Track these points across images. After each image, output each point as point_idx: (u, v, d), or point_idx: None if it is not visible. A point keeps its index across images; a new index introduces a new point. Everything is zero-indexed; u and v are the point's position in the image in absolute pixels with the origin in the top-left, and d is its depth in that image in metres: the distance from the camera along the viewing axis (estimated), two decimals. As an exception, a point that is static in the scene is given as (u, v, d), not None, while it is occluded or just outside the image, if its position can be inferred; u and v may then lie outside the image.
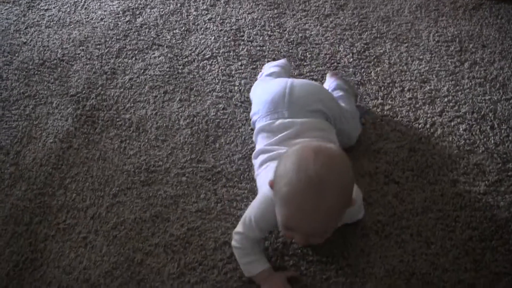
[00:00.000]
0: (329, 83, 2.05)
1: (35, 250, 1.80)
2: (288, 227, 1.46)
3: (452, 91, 2.13)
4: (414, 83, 2.18)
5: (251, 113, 1.88)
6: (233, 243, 1.61)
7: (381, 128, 2.01)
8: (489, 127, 1.99)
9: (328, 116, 1.75)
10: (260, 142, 1.76)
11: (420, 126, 2.01)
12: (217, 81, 2.28)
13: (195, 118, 2.14)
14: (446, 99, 2.10)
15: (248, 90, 2.20)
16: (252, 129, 1.90)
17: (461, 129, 1.99)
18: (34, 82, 2.42)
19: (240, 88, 2.22)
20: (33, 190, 1.97)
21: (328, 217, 1.43)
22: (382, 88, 2.17)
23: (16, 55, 2.58)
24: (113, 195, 1.91)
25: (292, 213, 1.42)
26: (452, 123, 2.01)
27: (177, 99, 2.23)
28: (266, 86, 1.85)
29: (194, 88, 2.27)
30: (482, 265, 1.63)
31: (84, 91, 2.33)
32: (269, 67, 2.14)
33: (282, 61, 2.18)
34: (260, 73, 2.18)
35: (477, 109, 2.06)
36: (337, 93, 1.96)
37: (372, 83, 2.19)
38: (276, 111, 1.74)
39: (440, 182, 1.83)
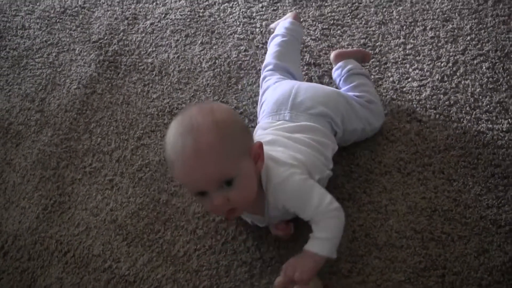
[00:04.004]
0: (339, 70, 1.89)
1: (63, 193, 1.84)
2: (194, 188, 1.40)
3: (475, 29, 2.11)
4: (437, 21, 2.15)
5: (258, 114, 1.80)
6: None
7: (403, 67, 2.00)
8: (512, 64, 1.98)
9: (332, 118, 1.66)
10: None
11: (442, 64, 2.00)
12: (238, 23, 2.28)
13: (217, 61, 2.14)
14: (468, 38, 2.08)
15: (270, 32, 2.18)
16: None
17: (484, 67, 1.97)
18: (56, 30, 2.44)
19: (262, 29, 2.22)
20: (59, 135, 2.00)
21: (215, 155, 1.33)
22: (404, 27, 2.15)
23: (38, 4, 2.60)
24: (137, 138, 1.94)
25: (182, 166, 1.35)
26: (475, 61, 2.00)
27: (199, 42, 2.24)
28: (276, 88, 1.76)
29: (216, 31, 2.27)
30: (504, 201, 1.63)
31: (106, 37, 2.34)
32: (280, 30, 2.01)
33: (293, 26, 2.01)
34: (271, 37, 2.03)
35: (500, 47, 2.03)
36: (351, 82, 1.84)
37: (394, 22, 2.18)
38: (279, 113, 1.67)
39: (462, 120, 1.83)
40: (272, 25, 2.14)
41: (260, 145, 1.42)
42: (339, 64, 1.89)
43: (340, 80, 1.87)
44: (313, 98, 1.68)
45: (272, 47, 1.95)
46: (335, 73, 1.90)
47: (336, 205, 1.42)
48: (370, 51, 2.04)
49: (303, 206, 1.43)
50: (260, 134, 1.63)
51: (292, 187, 1.43)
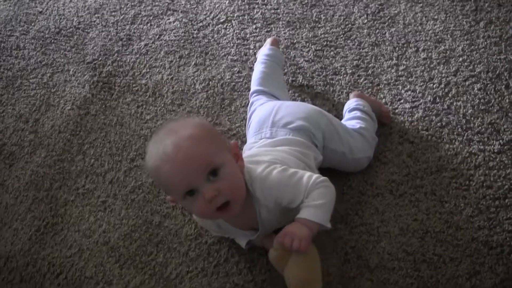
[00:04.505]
0: (349, 103, 1.92)
1: (56, 215, 1.84)
2: (182, 185, 1.38)
3: (467, 50, 2.12)
4: (429, 43, 2.17)
5: (247, 137, 1.83)
6: None
7: (396, 89, 2.01)
8: (504, 86, 1.98)
9: (312, 132, 1.67)
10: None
11: (434, 86, 2.01)
12: (232, 44, 2.29)
13: (210, 82, 2.15)
14: (460, 59, 2.09)
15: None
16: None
17: (475, 88, 1.98)
18: (51, 50, 2.45)
19: (255, 51, 2.22)
20: (52, 156, 2.01)
21: (196, 144, 1.36)
22: (397, 48, 2.16)
23: (32, 24, 2.61)
24: (130, 160, 1.94)
25: (166, 165, 1.36)
26: (467, 83, 2.00)
27: (193, 63, 2.25)
28: (260, 109, 1.80)
29: (209, 52, 2.28)
30: (496, 223, 1.63)
31: (100, 58, 2.35)
32: (261, 57, 2.05)
33: (272, 52, 2.05)
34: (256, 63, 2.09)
35: (492, 68, 2.04)
36: (353, 114, 1.86)
37: (387, 43, 2.19)
38: (261, 131, 1.70)
39: (454, 141, 1.83)
40: (257, 55, 2.14)
41: (236, 144, 1.47)
42: (356, 98, 1.91)
43: (346, 110, 1.89)
44: (293, 114, 1.70)
45: (255, 74, 1.98)
46: (347, 103, 1.92)
47: (324, 178, 1.46)
48: (389, 110, 1.96)
49: (293, 193, 1.44)
50: (246, 155, 1.64)
51: (276, 180, 1.45)
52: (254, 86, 1.95)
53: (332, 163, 1.74)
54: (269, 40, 2.12)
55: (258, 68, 2.00)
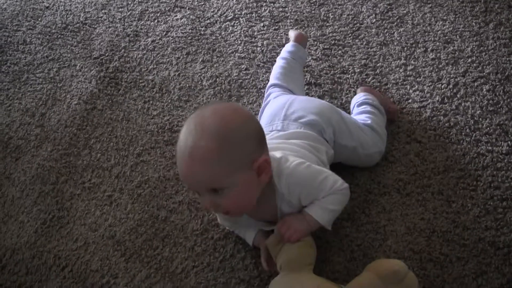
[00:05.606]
0: (358, 97, 1.92)
1: (62, 208, 1.83)
2: (187, 186, 1.49)
3: (476, 51, 2.12)
4: (438, 43, 2.16)
5: None
6: None
7: (404, 88, 2.01)
8: (513, 87, 1.99)
9: (323, 128, 1.66)
10: None
11: (443, 86, 2.00)
12: (239, 42, 2.29)
13: (217, 79, 2.15)
14: (469, 60, 2.09)
15: (271, 51, 2.20)
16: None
17: (484, 89, 1.98)
18: (58, 45, 2.45)
19: (263, 49, 2.23)
20: (58, 150, 2.00)
21: (207, 163, 1.34)
22: (405, 48, 2.16)
23: (39, 19, 2.61)
24: (137, 155, 1.94)
25: (179, 165, 1.39)
26: (476, 84, 2.00)
27: (200, 60, 2.24)
28: (273, 102, 1.79)
29: (217, 49, 2.28)
30: (503, 223, 1.62)
31: (107, 54, 2.35)
32: (285, 52, 2.02)
33: (294, 49, 2.01)
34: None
35: (501, 69, 2.04)
36: (363, 108, 1.86)
37: (395, 43, 2.19)
38: (272, 124, 1.69)
39: (462, 141, 1.83)
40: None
41: (266, 160, 1.40)
42: (364, 93, 1.91)
43: (355, 105, 1.89)
44: (305, 109, 1.69)
45: (274, 69, 1.97)
46: (355, 98, 1.92)
47: (346, 185, 1.50)
48: (397, 107, 1.97)
49: (316, 194, 1.46)
50: None
51: (302, 177, 1.45)
52: (272, 80, 1.94)
53: (343, 158, 1.73)
54: (292, 35, 2.06)
55: (279, 63, 1.98)
